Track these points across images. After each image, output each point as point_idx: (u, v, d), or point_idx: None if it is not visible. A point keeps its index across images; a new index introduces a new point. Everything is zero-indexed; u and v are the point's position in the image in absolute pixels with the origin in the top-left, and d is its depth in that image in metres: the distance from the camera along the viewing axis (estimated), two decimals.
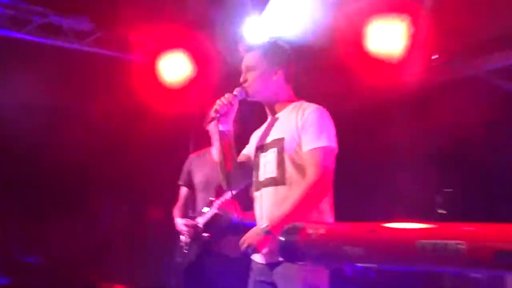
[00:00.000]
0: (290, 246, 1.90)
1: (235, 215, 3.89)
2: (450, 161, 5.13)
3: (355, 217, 1.94)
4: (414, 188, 5.00)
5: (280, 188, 2.79)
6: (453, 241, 1.57)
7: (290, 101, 2.97)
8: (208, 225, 4.02)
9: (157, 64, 6.52)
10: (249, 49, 3.00)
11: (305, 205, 2.68)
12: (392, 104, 5.41)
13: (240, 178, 3.02)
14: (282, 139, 2.83)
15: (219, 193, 4.02)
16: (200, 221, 4.06)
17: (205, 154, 4.33)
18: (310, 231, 1.88)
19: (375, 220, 1.79)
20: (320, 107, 2.86)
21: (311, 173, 2.70)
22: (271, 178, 2.83)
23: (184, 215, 4.25)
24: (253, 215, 3.90)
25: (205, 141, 7.34)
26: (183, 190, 4.37)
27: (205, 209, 4.05)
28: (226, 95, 2.90)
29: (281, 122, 2.91)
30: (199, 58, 6.62)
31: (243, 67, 2.97)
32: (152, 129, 6.53)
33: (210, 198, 4.02)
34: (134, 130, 6.63)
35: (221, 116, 2.86)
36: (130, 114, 6.68)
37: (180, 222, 4.16)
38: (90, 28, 6.24)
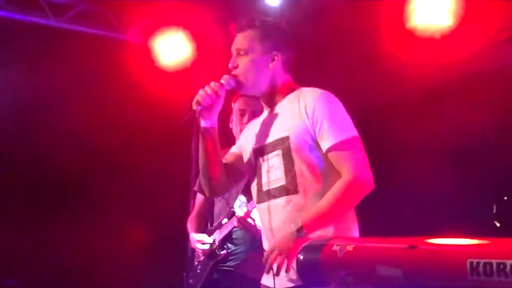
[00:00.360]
0: (311, 266, 1.88)
1: (259, 229, 3.86)
2: (508, 162, 5.06)
3: (385, 228, 1.92)
4: (464, 194, 4.96)
5: (294, 198, 2.69)
6: (510, 261, 1.55)
7: (290, 90, 2.87)
8: (225, 240, 4.00)
9: (151, 45, 6.54)
10: (241, 28, 2.88)
11: (343, 205, 2.59)
12: (437, 92, 5.38)
13: (226, 185, 2.94)
14: (286, 138, 2.73)
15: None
16: (217, 235, 4.04)
17: (224, 155, 4.29)
18: (335, 247, 1.86)
19: (412, 233, 1.76)
20: (325, 91, 2.76)
21: (349, 168, 2.59)
22: (280, 187, 2.73)
23: (199, 227, 4.22)
24: None
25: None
26: (199, 198, 4.33)
27: (225, 221, 4.04)
28: (212, 84, 2.79)
29: (281, 117, 2.82)
30: (202, 37, 6.62)
31: (233, 50, 2.87)
32: (147, 120, 6.55)
33: (232, 209, 3.98)
34: (126, 122, 6.65)
35: (204, 109, 2.75)
36: (120, 104, 6.71)
37: (194, 239, 4.12)
38: (69, 1, 6.27)
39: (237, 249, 4.01)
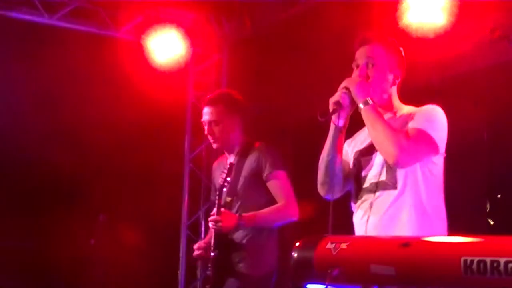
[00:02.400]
0: (305, 264, 1.88)
1: (238, 223, 3.88)
2: (502, 160, 5.07)
3: None
4: (458, 192, 4.96)
5: (392, 193, 2.83)
6: (504, 259, 1.55)
7: (399, 104, 3.06)
8: (218, 240, 4.02)
9: (145, 43, 6.52)
10: (369, 41, 3.04)
11: None
12: (431, 89, 5.38)
13: (344, 184, 3.07)
14: None
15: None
16: (212, 237, 4.07)
17: (223, 160, 4.33)
18: (329, 245, 1.86)
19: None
20: (437, 106, 2.95)
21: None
22: (380, 182, 2.88)
23: None
24: (269, 212, 3.96)
25: (203, 135, 7.41)
26: None
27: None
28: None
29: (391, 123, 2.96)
30: (195, 34, 6.62)
31: (359, 59, 3.01)
32: (140, 119, 6.54)
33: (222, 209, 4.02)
34: (119, 121, 6.64)
35: (342, 109, 2.88)
36: (114, 102, 6.69)
37: (195, 247, 4.20)
38: None
39: (229, 247, 4.00)
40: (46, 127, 6.56)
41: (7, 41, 6.33)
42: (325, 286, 1.82)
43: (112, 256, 6.78)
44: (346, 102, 2.87)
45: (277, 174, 4.01)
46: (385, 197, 2.84)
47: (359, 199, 2.96)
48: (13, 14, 6.16)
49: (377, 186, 2.88)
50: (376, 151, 2.89)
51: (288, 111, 6.61)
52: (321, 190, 3.06)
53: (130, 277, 6.84)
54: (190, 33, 6.54)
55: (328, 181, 2.99)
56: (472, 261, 1.60)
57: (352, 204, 3.01)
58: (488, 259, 1.58)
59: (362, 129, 3.08)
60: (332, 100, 2.88)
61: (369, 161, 2.95)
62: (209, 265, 4.02)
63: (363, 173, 2.96)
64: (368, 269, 1.76)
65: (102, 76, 6.43)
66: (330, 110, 2.86)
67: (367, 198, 2.92)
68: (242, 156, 4.12)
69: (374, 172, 2.91)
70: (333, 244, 1.86)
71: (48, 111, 6.53)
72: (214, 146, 4.20)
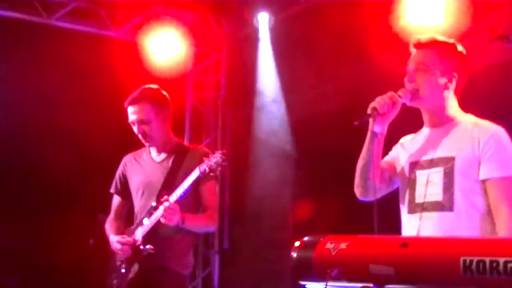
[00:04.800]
0: (304, 264, 1.88)
1: (180, 221, 3.86)
2: None
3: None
4: None
5: (448, 215, 2.81)
6: (503, 259, 1.55)
7: (458, 114, 3.00)
8: (149, 236, 3.99)
9: (144, 43, 6.52)
10: (422, 45, 3.00)
11: None
12: None
13: (377, 190, 3.02)
14: (452, 158, 2.85)
15: (161, 197, 3.97)
16: (139, 233, 4.02)
17: (142, 154, 4.26)
18: (329, 245, 1.86)
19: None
20: (502, 128, 2.89)
21: (508, 211, 2.73)
22: (435, 202, 2.85)
23: (119, 229, 4.19)
24: (201, 219, 3.95)
25: (202, 135, 7.43)
26: (116, 200, 4.33)
27: (146, 221, 4.01)
28: (389, 94, 2.90)
29: (449, 138, 2.93)
30: (195, 35, 6.62)
31: (411, 64, 2.98)
32: None
33: (152, 204, 3.99)
34: (118, 121, 6.61)
35: (379, 115, 2.87)
36: (113, 102, 6.67)
37: (113, 240, 4.11)
38: None
39: (161, 243, 3.98)
40: (45, 127, 6.56)
41: (6, 41, 6.32)
42: (324, 286, 1.82)
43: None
44: (384, 109, 2.86)
45: (212, 182, 3.98)
46: (439, 218, 2.82)
47: (410, 213, 2.94)
48: (12, 14, 6.16)
49: (432, 205, 2.85)
50: (436, 166, 2.87)
51: (288, 111, 6.62)
52: (356, 192, 3.07)
53: None
54: (189, 33, 6.53)
55: (363, 184, 3.01)
56: (471, 261, 1.60)
57: (403, 213, 3.00)
58: (487, 259, 1.58)
59: (422, 132, 3.06)
60: (371, 105, 2.87)
61: (426, 175, 2.91)
62: (136, 259, 3.99)
63: (418, 187, 2.92)
64: (367, 269, 1.76)
65: (101, 76, 6.42)
66: (368, 113, 2.86)
67: (418, 213, 2.89)
68: (178, 156, 4.04)
69: (431, 191, 2.87)
70: (333, 244, 1.86)
71: (48, 111, 6.53)
72: (147, 145, 4.10)
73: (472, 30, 4.81)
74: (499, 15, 4.66)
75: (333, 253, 1.83)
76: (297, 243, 1.93)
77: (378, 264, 1.74)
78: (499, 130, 2.87)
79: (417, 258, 1.71)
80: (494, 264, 1.57)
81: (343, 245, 1.83)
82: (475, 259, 1.60)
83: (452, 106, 2.99)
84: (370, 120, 2.88)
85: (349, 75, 5.73)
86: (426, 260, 1.70)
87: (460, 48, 3.04)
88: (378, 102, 2.86)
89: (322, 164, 6.14)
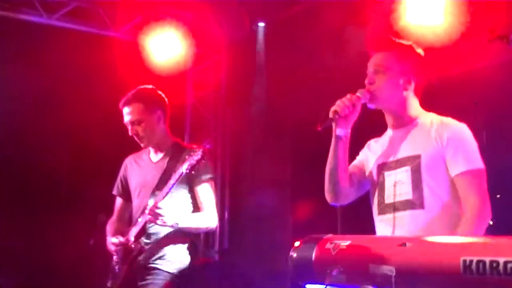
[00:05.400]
0: (305, 263, 1.88)
1: (175, 223, 3.86)
2: (501, 160, 5.08)
3: None
4: None
5: (419, 213, 2.83)
6: (503, 259, 1.55)
7: (420, 114, 3.03)
8: (140, 235, 3.98)
9: (144, 43, 6.52)
10: (380, 48, 3.04)
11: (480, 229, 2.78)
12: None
13: (348, 193, 3.08)
14: (417, 157, 2.88)
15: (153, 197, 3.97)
16: (133, 233, 4.03)
17: (142, 155, 4.27)
18: (329, 245, 1.86)
19: None
20: (464, 124, 2.93)
21: (475, 200, 2.78)
22: (405, 200, 2.87)
23: (117, 230, 4.20)
24: (198, 219, 3.90)
25: (202, 135, 7.43)
26: (118, 202, 4.34)
27: (139, 220, 4.02)
28: (348, 96, 2.92)
29: (413, 138, 2.96)
30: (195, 35, 6.61)
31: (370, 66, 3.01)
32: None
33: (146, 205, 3.99)
34: (118, 121, 6.62)
35: (341, 118, 2.89)
36: (113, 102, 6.67)
37: (109, 241, 4.12)
38: None
39: (152, 242, 3.98)
40: (45, 127, 6.56)
41: (6, 41, 6.32)
42: (324, 286, 1.82)
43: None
44: (345, 111, 2.87)
45: (207, 182, 3.97)
46: (411, 216, 2.83)
47: (381, 213, 2.95)
48: (12, 14, 6.16)
49: (403, 204, 2.87)
50: (402, 166, 2.90)
51: (288, 111, 6.62)
52: (326, 197, 3.09)
53: None
54: (189, 33, 6.53)
55: (332, 189, 3.03)
56: (471, 261, 1.60)
57: (374, 214, 3.00)
58: (487, 259, 1.58)
59: (387, 134, 3.08)
60: (331, 108, 2.88)
61: (393, 176, 2.93)
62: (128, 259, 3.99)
63: (387, 188, 2.94)
64: (367, 269, 1.76)
65: (101, 76, 6.42)
66: (329, 118, 2.87)
67: (390, 214, 2.90)
68: (173, 155, 4.03)
69: (400, 190, 2.89)
70: (333, 244, 1.86)
71: (48, 111, 6.52)
72: (142, 145, 4.10)
73: (471, 30, 4.81)
74: (499, 15, 4.65)
75: (333, 253, 1.83)
76: (297, 243, 1.93)
77: (378, 264, 1.74)
78: (463, 127, 2.91)
79: (417, 258, 1.71)
80: (494, 264, 1.57)
81: (343, 245, 1.83)
82: (475, 259, 1.60)
83: (413, 106, 3.01)
84: (333, 124, 2.90)
85: (348, 76, 5.73)
86: (426, 260, 1.70)
87: (418, 50, 3.05)
88: (338, 105, 2.88)
89: (320, 165, 6.13)
